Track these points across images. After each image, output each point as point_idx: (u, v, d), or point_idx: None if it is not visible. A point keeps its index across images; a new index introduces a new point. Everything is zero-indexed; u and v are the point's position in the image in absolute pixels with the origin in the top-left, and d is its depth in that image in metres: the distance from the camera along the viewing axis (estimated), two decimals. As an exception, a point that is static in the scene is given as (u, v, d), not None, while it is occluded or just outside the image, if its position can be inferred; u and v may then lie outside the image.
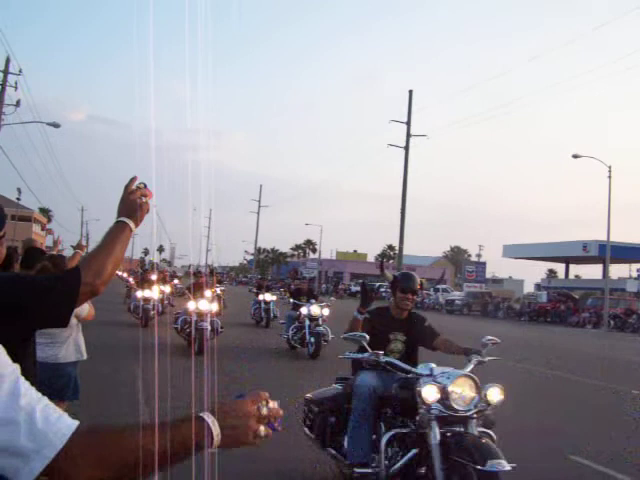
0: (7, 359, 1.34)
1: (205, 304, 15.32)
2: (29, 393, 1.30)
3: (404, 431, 5.15)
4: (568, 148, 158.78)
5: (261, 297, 24.12)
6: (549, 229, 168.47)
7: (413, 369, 5.18)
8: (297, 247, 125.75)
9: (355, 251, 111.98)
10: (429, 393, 4.85)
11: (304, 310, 16.30)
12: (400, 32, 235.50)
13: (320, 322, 16.06)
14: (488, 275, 72.61)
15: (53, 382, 5.51)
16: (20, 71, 33.80)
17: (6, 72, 32.57)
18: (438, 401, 4.83)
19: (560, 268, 72.60)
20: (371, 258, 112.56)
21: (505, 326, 35.05)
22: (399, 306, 5.98)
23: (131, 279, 28.90)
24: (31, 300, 2.09)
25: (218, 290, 28.34)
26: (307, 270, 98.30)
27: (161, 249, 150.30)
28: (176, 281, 33.21)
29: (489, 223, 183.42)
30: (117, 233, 2.39)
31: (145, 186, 2.47)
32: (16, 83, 32.90)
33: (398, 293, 5.95)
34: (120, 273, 64.95)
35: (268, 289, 25.20)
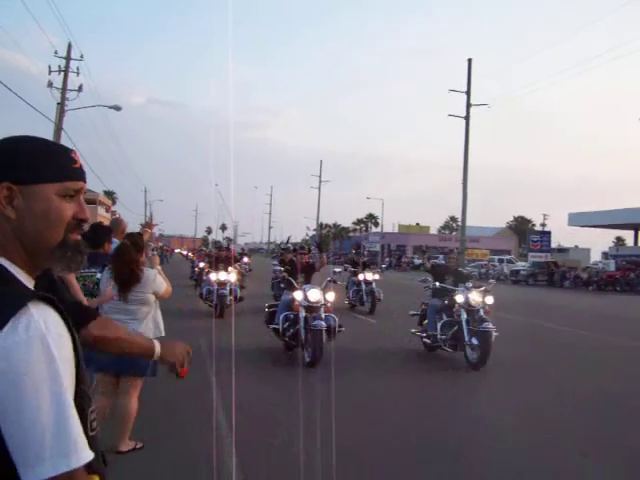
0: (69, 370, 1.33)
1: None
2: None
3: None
4: (634, 111, 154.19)
5: (361, 277, 20.17)
6: (616, 195, 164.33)
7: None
8: (359, 221, 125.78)
9: (417, 224, 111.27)
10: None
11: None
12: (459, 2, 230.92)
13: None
14: (553, 244, 71.26)
15: (130, 357, 5.63)
16: (81, 56, 34.48)
17: (68, 58, 33.21)
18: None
19: (629, 236, 70.81)
20: (434, 230, 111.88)
21: (571, 295, 34.47)
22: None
23: (201, 262, 24.98)
24: None
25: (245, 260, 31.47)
26: (370, 244, 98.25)
27: (224, 227, 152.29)
28: (245, 259, 32.07)
29: (554, 191, 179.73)
30: (140, 346, 2.47)
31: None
32: (78, 69, 33.57)
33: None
34: (185, 252, 65.81)
35: (365, 266, 21.09)
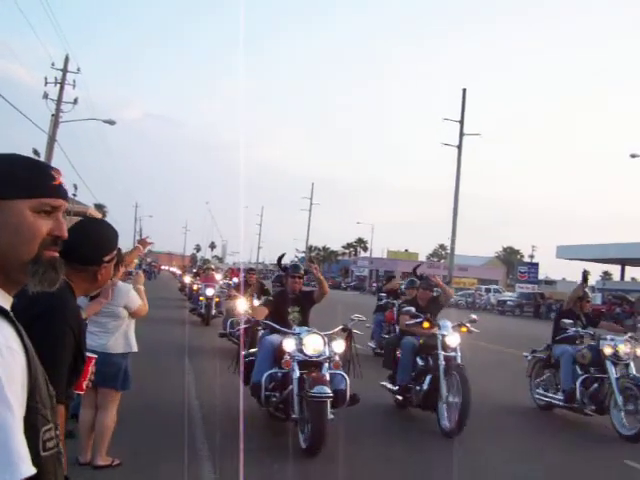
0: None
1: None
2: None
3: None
4: (624, 146, 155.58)
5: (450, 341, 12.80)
6: (605, 230, 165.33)
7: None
8: (348, 245, 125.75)
9: (406, 250, 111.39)
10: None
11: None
12: (454, 32, 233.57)
13: None
14: (541, 276, 71.43)
15: (102, 370, 5.65)
16: (78, 69, 34.56)
17: (65, 70, 33.31)
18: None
19: (615, 270, 71.13)
20: (422, 257, 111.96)
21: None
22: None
23: (209, 288, 20.59)
24: None
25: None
26: (358, 269, 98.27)
27: (213, 245, 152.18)
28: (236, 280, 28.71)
29: (543, 224, 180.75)
30: None
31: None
32: (74, 81, 33.66)
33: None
34: (177, 271, 65.34)
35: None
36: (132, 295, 5.98)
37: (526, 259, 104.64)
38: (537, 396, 10.03)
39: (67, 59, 33.69)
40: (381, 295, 16.04)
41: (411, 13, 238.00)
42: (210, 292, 20.18)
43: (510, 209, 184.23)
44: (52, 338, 2.37)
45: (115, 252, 2.82)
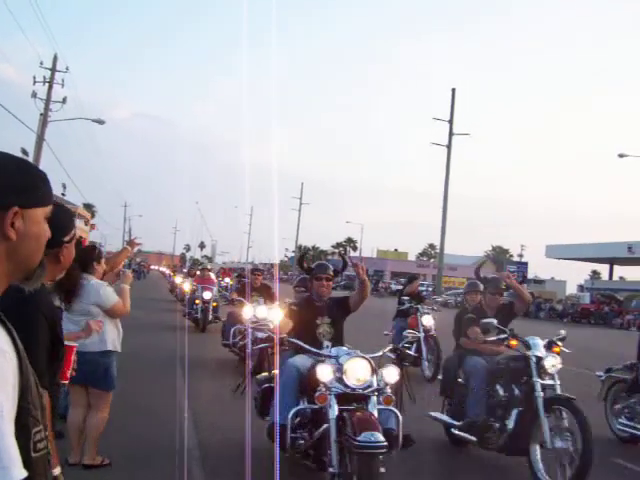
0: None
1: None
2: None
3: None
4: (613, 146, 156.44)
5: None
6: (593, 229, 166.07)
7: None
8: (338, 245, 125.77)
9: (396, 250, 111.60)
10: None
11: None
12: (448, 32, 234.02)
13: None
14: (530, 276, 71.69)
15: (80, 368, 5.62)
16: (67, 69, 34.42)
17: (54, 70, 33.18)
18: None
19: (604, 269, 71.54)
20: (412, 257, 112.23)
21: (547, 327, 34.63)
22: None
23: (207, 291, 18.83)
24: None
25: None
26: (347, 268, 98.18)
27: (202, 245, 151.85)
28: (228, 280, 28.05)
29: (532, 223, 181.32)
30: None
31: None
32: (63, 81, 33.55)
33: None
34: (166, 271, 65.25)
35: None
36: (104, 292, 5.82)
37: (515, 258, 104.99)
38: (619, 426, 8.28)
39: (56, 58, 33.55)
40: (403, 299, 13.93)
41: (409, 14, 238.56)
42: (208, 295, 18.70)
43: (500, 208, 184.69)
44: (25, 323, 2.45)
45: (73, 232, 2.89)
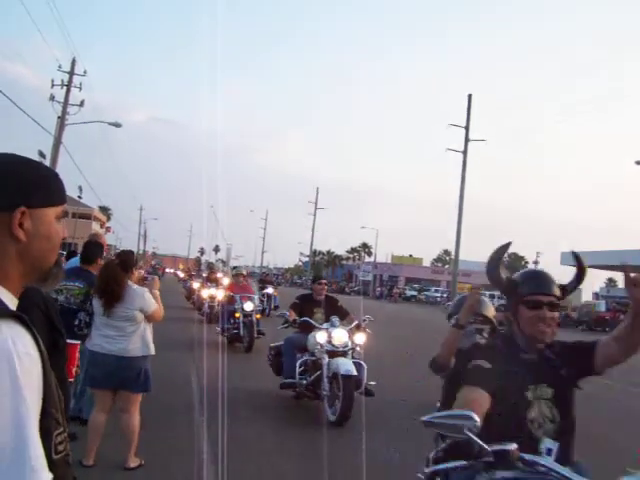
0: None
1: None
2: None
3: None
4: (630, 153, 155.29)
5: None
6: (610, 236, 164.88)
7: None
8: (353, 250, 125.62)
9: (411, 255, 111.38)
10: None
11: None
12: (462, 37, 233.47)
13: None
14: (545, 282, 70.98)
15: (121, 373, 5.76)
16: (85, 72, 34.64)
17: (72, 73, 33.40)
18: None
19: (620, 277, 70.94)
20: (427, 262, 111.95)
21: (561, 334, 34.38)
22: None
23: (249, 303, 15.93)
24: None
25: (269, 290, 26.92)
26: (362, 273, 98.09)
27: (217, 249, 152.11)
28: (270, 290, 27.63)
29: (547, 230, 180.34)
30: None
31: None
32: (80, 84, 33.75)
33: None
34: (180, 274, 65.04)
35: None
36: (147, 298, 5.95)
37: (530, 265, 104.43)
38: None
39: (74, 62, 33.76)
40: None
41: (421, 18, 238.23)
42: (250, 307, 15.61)
43: (515, 215, 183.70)
44: None
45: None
